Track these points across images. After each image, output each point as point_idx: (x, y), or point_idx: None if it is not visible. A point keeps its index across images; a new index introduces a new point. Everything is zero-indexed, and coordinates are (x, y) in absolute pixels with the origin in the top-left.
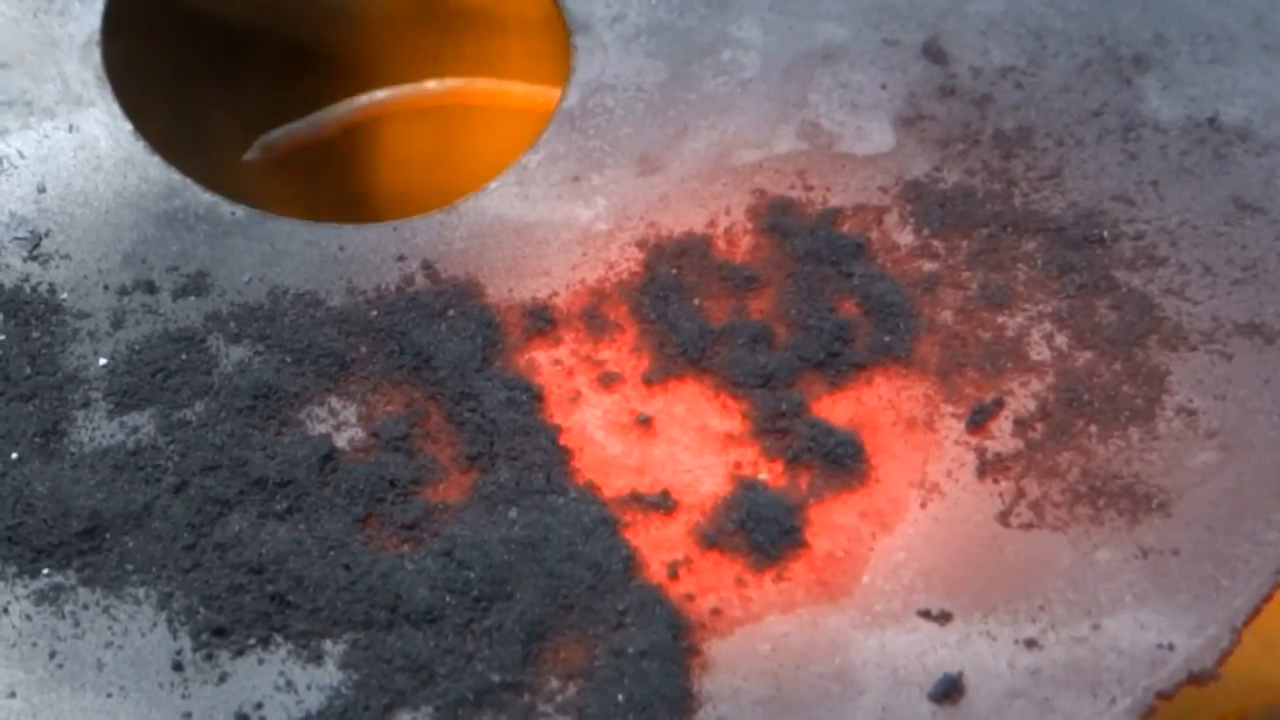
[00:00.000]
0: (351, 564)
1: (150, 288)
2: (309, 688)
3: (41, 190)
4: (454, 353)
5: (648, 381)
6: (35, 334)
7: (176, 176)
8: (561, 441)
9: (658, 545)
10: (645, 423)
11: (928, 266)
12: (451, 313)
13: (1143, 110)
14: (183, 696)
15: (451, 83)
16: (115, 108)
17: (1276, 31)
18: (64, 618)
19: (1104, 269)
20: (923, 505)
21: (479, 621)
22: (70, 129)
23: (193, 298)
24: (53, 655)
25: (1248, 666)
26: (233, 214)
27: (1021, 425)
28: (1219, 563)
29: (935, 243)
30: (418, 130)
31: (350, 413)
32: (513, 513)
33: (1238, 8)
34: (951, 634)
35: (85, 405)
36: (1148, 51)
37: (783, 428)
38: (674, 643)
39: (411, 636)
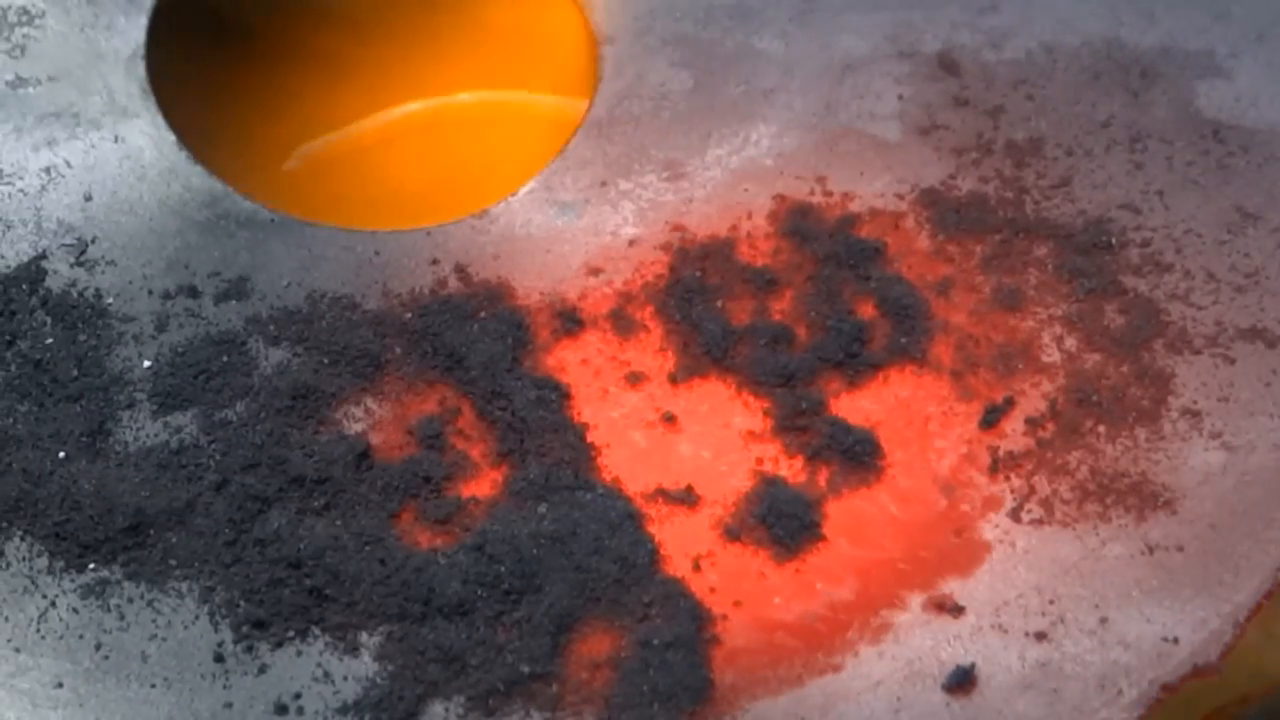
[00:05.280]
0: (386, 558)
1: (193, 292)
2: (345, 678)
3: (88, 199)
4: (485, 353)
5: (672, 380)
6: (82, 337)
7: (218, 185)
8: (589, 438)
9: (682, 539)
10: (670, 420)
11: (943, 270)
12: (483, 314)
13: (1149, 122)
14: (224, 687)
15: (484, 94)
16: (159, 119)
17: (1279, 47)
18: (109, 611)
19: (1112, 274)
20: (937, 501)
21: (509, 614)
22: (116, 139)
23: (233, 302)
24: (99, 647)
25: (1250, 659)
26: (272, 221)
27: (1032, 424)
28: (1222, 559)
29: (950, 247)
30: (451, 139)
31: (385, 412)
32: (542, 508)
33: (1241, 24)
34: (964, 627)
35: (130, 406)
36: (1154, 65)
37: (802, 425)
38: (697, 634)
39: (444, 628)
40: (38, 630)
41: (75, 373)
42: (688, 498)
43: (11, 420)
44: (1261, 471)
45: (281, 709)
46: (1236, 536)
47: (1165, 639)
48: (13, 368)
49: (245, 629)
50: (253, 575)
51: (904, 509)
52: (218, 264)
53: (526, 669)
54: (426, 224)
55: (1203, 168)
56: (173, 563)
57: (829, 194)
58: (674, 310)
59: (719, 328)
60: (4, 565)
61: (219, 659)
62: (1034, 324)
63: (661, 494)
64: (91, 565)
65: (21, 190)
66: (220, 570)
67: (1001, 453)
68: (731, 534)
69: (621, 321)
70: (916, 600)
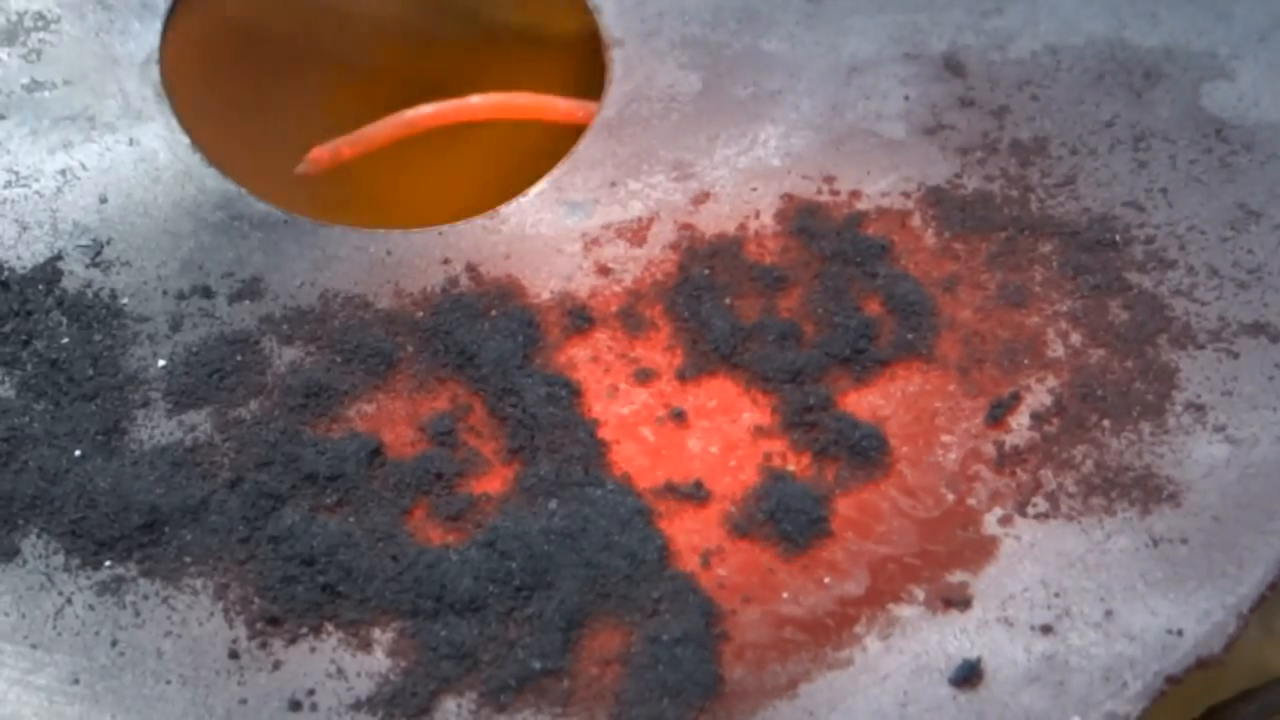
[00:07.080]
0: (399, 555)
1: (207, 292)
2: (359, 674)
3: (103, 200)
4: (496, 351)
5: (681, 377)
6: (97, 337)
7: (232, 187)
8: (599, 435)
9: (691, 535)
10: (679, 417)
11: (949, 267)
12: (494, 313)
13: (1153, 121)
14: (238, 683)
15: (495, 96)
16: (173, 122)
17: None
18: (125, 608)
19: (1116, 271)
20: (943, 496)
21: (520, 610)
22: (130, 142)
23: (247, 301)
24: (114, 643)
25: (1252, 651)
26: (285, 221)
27: (1038, 419)
28: (1226, 551)
29: (956, 245)
30: (462, 140)
31: (397, 409)
32: (553, 504)
33: (1243, 25)
34: (971, 620)
35: (145, 405)
36: (1157, 66)
37: (810, 421)
38: (706, 629)
39: (456, 625)
40: (54, 627)
41: (91, 372)
42: (697, 493)
43: (28, 419)
44: (1265, 464)
45: (295, 705)
46: (1240, 529)
47: (1170, 631)
48: (29, 367)
49: (259, 625)
50: (266, 572)
51: (911, 504)
52: (231, 264)
53: (538, 665)
54: (438, 224)
55: (1205, 166)
56: (187, 560)
57: (836, 193)
58: (683, 308)
59: (727, 325)
60: (21, 562)
61: (233, 655)
62: (1039, 320)
63: (671, 490)
64: (107, 562)
65: (38, 192)
66: (234, 567)
67: (1007, 447)
68: (740, 530)
69: (631, 319)
70: (923, 594)
